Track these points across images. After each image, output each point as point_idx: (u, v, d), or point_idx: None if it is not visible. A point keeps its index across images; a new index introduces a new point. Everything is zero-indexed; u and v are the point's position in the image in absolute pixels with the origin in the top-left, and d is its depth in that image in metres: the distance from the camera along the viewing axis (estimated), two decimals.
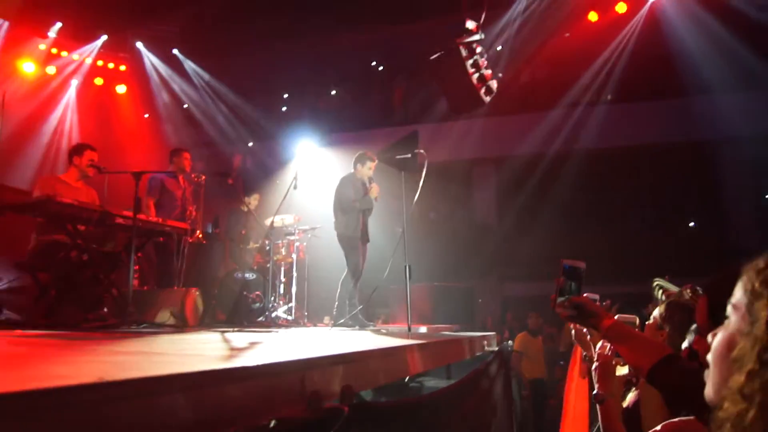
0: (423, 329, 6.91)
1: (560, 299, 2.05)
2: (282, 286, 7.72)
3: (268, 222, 7.63)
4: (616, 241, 12.94)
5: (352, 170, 7.01)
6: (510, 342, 8.75)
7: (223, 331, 4.71)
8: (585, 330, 2.95)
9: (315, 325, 7.43)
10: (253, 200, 8.23)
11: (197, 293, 6.05)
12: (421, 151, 6.19)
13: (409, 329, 5.76)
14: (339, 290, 6.74)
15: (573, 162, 12.47)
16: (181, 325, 5.40)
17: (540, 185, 12.86)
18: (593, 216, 13.47)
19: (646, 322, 2.77)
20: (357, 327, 6.49)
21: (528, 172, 12.90)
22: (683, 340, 2.25)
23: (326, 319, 9.70)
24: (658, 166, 12.87)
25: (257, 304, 7.02)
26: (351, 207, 6.73)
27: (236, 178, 7.80)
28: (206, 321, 6.30)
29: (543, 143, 12.62)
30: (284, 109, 13.59)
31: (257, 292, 7.17)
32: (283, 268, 7.81)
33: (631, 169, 13.08)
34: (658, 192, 13.26)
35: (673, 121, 12.11)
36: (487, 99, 6.03)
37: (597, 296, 2.54)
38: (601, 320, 2.00)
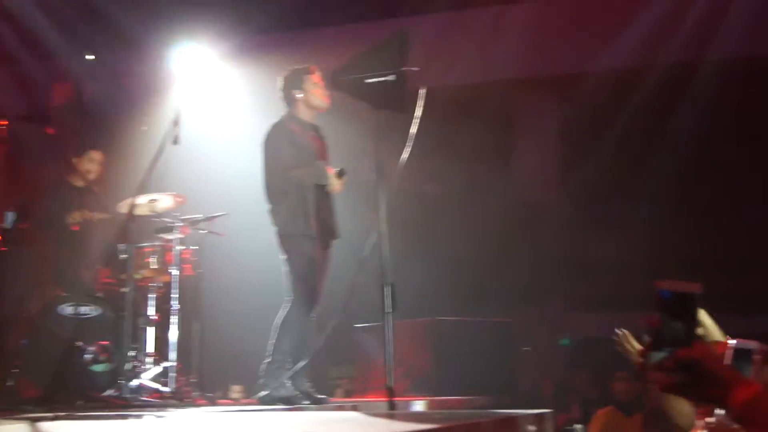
0: (419, 407, 6.95)
1: (657, 355, 2.08)
2: (151, 329, 7.74)
3: (123, 207, 7.63)
4: None
5: (286, 108, 7.11)
6: (581, 428, 8.82)
7: (33, 421, 4.67)
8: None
9: (213, 402, 7.46)
10: (91, 163, 8.24)
11: None
12: (414, 68, 6.19)
13: (391, 407, 5.78)
14: (276, 335, 6.82)
15: (704, 84, 12.53)
16: None
17: (642, 132, 12.91)
18: (735, 189, 13.55)
19: None
20: (298, 403, 6.59)
21: (620, 106, 12.96)
22: None
23: (235, 390, 9.77)
24: None
25: (103, 365, 7.08)
26: (287, 183, 6.82)
27: (61, 123, 7.74)
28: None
29: (648, 50, 12.66)
30: None
31: (103, 342, 7.20)
32: (152, 295, 7.84)
33: None
34: None
35: None
36: None
37: (754, 344, 2.68)
38: (733, 390, 2.02)
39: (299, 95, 7.09)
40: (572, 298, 13.68)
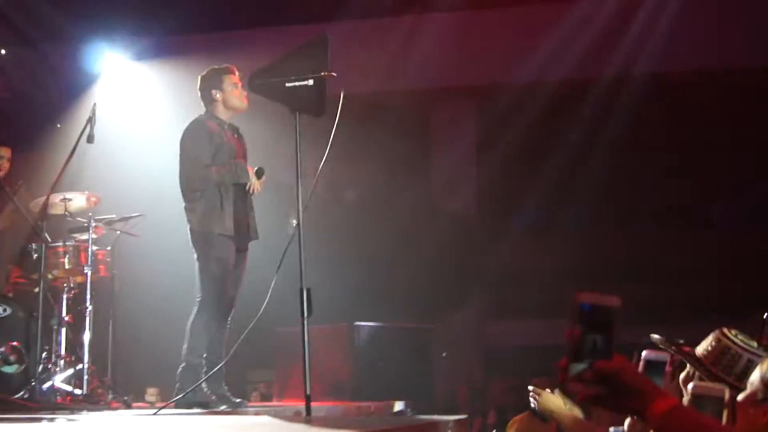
0: (332, 411, 6.96)
1: (577, 366, 2.08)
2: (64, 330, 7.61)
3: (36, 206, 7.56)
4: (697, 243, 13.33)
5: (205, 108, 7.08)
6: None
7: None
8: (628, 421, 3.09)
9: (128, 406, 7.36)
10: (1, 159, 8.17)
11: None
12: (333, 73, 6.20)
13: (308, 411, 5.77)
14: (188, 337, 6.76)
15: (619, 99, 12.73)
16: None
17: (559, 143, 13.08)
18: (652, 201, 13.79)
19: (739, 396, 2.90)
20: (214, 407, 6.56)
21: (537, 117, 13.09)
22: None
23: (150, 392, 9.66)
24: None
25: (14, 367, 7.02)
26: (205, 180, 6.77)
27: None
28: None
29: (564, 62, 12.83)
30: None
31: (13, 343, 7.13)
32: (65, 296, 7.72)
33: (728, 112, 13.45)
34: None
35: None
36: None
37: (666, 355, 2.73)
38: (651, 402, 2.05)
39: (218, 95, 7.05)
40: (490, 305, 13.79)
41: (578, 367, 2.05)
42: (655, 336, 3.50)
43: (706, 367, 3.18)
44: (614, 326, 2.08)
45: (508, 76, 13.27)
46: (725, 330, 3.40)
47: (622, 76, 12.79)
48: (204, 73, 7.16)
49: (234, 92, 7.07)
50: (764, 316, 3.53)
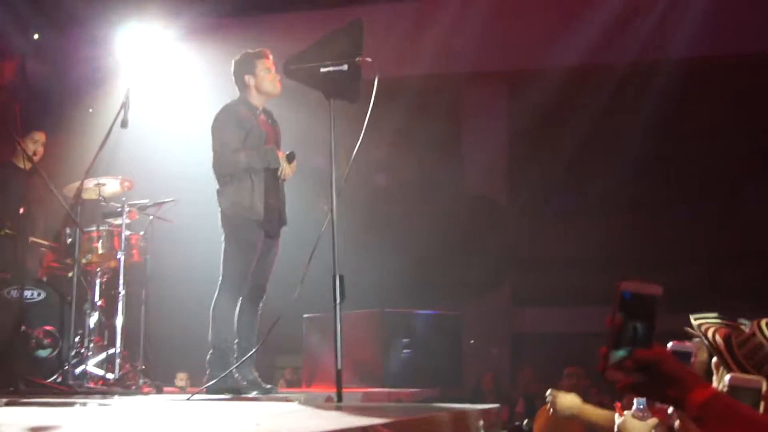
0: (365, 398, 6.96)
1: (617, 354, 2.10)
2: (97, 314, 7.68)
3: (70, 191, 7.55)
4: (729, 228, 13.28)
5: (239, 92, 7.07)
6: (526, 423, 8.85)
7: None
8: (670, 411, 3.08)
9: (159, 390, 7.40)
10: (35, 144, 8.15)
11: None
12: (368, 59, 6.18)
13: (339, 398, 5.78)
14: (212, 321, 6.78)
15: (652, 84, 12.66)
16: None
17: (591, 128, 13.03)
18: (685, 186, 13.73)
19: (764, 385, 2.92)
20: (245, 393, 6.57)
21: (567, 102, 13.06)
22: None
23: (180, 377, 9.72)
24: None
25: (47, 351, 7.02)
26: (234, 165, 6.77)
27: (5, 103, 7.64)
28: None
29: (597, 49, 12.76)
30: None
31: (47, 327, 7.14)
32: (99, 281, 7.77)
33: (759, 99, 13.36)
34: None
35: None
36: None
37: (691, 346, 2.66)
38: (690, 391, 2.05)
39: (251, 80, 7.02)
40: (519, 293, 13.78)
41: (618, 355, 2.08)
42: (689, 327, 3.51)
43: (739, 361, 3.17)
44: (656, 315, 2.10)
45: (539, 61, 13.27)
46: (762, 323, 3.38)
47: (653, 60, 12.74)
48: (237, 57, 7.13)
49: (267, 77, 7.03)
50: None
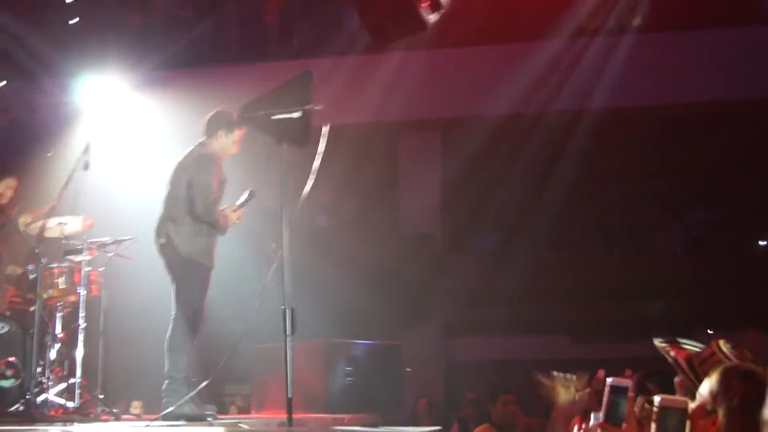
0: (310, 424, 6.94)
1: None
2: (57, 346, 7.55)
3: (33, 230, 7.49)
4: (642, 265, 13.49)
5: (206, 138, 7.08)
6: None
7: None
8: None
9: (116, 418, 7.30)
10: (6, 189, 7.99)
11: None
12: (318, 107, 6.24)
13: (289, 422, 5.77)
14: (168, 354, 6.73)
15: (575, 132, 12.87)
16: None
17: (518, 171, 13.19)
18: (604, 226, 13.95)
19: (691, 405, 3.01)
20: (201, 420, 6.57)
21: (496, 147, 13.21)
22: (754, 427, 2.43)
23: (135, 405, 9.60)
24: (714, 141, 13.49)
25: (10, 381, 6.95)
26: (209, 210, 6.77)
27: None
28: None
29: (523, 99, 12.94)
30: (74, 21, 13.19)
31: (10, 359, 7.07)
32: (59, 314, 7.64)
33: (671, 146, 13.66)
34: (710, 185, 13.94)
35: (741, 66, 12.68)
36: (433, 18, 6.13)
37: (628, 382, 2.91)
38: None
39: (223, 136, 7.04)
40: (455, 324, 13.82)
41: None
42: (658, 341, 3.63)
43: (700, 378, 3.28)
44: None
45: (470, 110, 13.41)
46: (720, 343, 3.50)
47: (579, 110, 12.95)
48: (219, 110, 7.15)
49: (235, 146, 7.11)
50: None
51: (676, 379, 3.55)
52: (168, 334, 6.76)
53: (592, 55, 12.90)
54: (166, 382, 6.71)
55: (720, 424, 2.85)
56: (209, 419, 6.67)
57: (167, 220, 6.90)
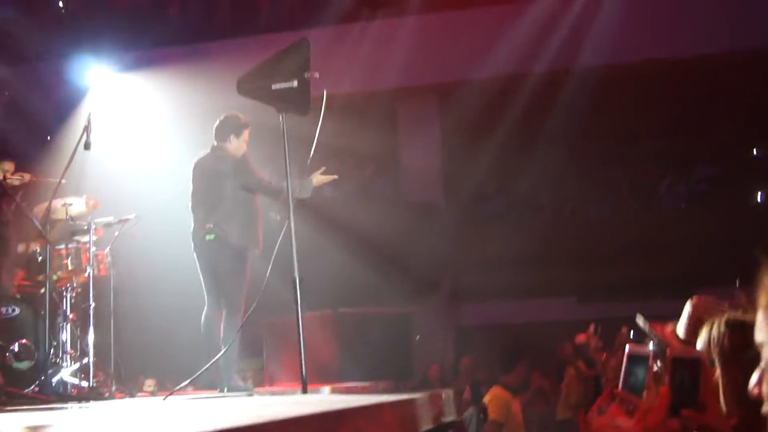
0: (325, 392, 7.01)
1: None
2: (69, 327, 7.63)
3: (39, 211, 7.54)
4: (646, 222, 13.56)
5: (220, 143, 7.46)
6: (472, 411, 8.99)
7: None
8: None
9: (131, 396, 7.45)
10: (4, 172, 8.02)
11: None
12: (316, 74, 6.30)
13: (305, 390, 5.86)
14: (225, 341, 7.00)
15: (574, 91, 12.88)
16: None
17: (517, 134, 13.22)
18: (607, 185, 14.01)
19: None
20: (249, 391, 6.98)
21: (494, 110, 13.24)
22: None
23: (149, 383, 9.69)
24: (717, 95, 13.51)
25: (24, 363, 6.96)
26: (277, 192, 7.22)
27: None
28: None
29: (521, 59, 12.96)
30: (61, 4, 13.20)
31: (23, 341, 7.08)
32: (69, 295, 7.73)
33: (672, 102, 13.68)
34: (714, 139, 13.98)
35: (746, 15, 12.66)
36: None
37: (648, 351, 2.93)
38: None
39: (234, 140, 7.43)
40: (461, 291, 13.90)
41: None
42: (640, 319, 3.64)
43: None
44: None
45: (466, 73, 13.42)
46: (696, 299, 3.54)
47: (577, 68, 12.96)
48: (227, 116, 7.52)
49: (243, 144, 7.49)
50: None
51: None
52: (223, 324, 7.09)
53: (588, 10, 12.92)
54: (221, 362, 6.92)
55: (717, 372, 2.93)
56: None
57: (214, 217, 7.22)
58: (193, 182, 7.47)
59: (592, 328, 9.36)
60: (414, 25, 13.19)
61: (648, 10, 13.06)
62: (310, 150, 6.43)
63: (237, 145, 7.43)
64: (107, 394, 7.19)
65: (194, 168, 7.52)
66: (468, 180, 13.87)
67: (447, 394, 5.68)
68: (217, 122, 7.51)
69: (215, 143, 7.48)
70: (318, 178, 7.26)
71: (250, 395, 6.87)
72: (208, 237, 7.18)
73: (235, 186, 7.28)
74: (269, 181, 7.42)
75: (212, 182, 7.33)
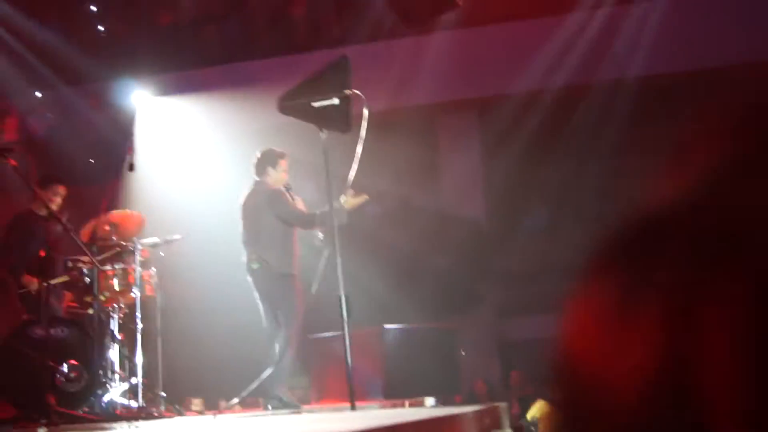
0: (374, 408, 7.03)
1: None
2: (117, 348, 7.73)
3: (85, 233, 7.68)
4: None
5: (259, 177, 7.76)
6: (523, 425, 8.96)
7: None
8: None
9: (180, 414, 7.53)
10: (55, 195, 8.08)
11: None
12: (357, 92, 6.33)
13: (353, 407, 5.87)
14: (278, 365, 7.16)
15: (616, 103, 12.82)
16: None
17: (558, 147, 13.18)
18: (649, 195, 13.92)
19: None
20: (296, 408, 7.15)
21: (534, 123, 13.22)
22: None
23: (196, 403, 9.74)
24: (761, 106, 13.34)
25: (74, 384, 7.00)
26: (310, 222, 7.53)
27: (21, 155, 7.69)
28: None
29: (559, 72, 12.93)
30: (101, 29, 13.33)
31: (73, 362, 7.13)
32: (116, 316, 7.82)
33: (715, 112, 13.53)
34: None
35: None
36: None
37: None
38: None
39: (271, 171, 7.71)
40: (503, 304, 13.82)
41: None
42: None
43: None
44: None
45: (505, 87, 13.40)
46: None
47: (618, 80, 12.89)
48: (264, 150, 7.83)
49: (282, 174, 7.77)
50: None
51: None
52: (278, 350, 7.25)
53: (629, 22, 12.86)
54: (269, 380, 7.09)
55: None
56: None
57: (257, 248, 7.55)
58: (241, 219, 7.76)
59: None
60: (452, 40, 13.20)
61: (690, 20, 12.96)
62: (351, 167, 6.46)
63: (276, 177, 7.72)
64: (156, 414, 7.26)
65: (240, 206, 7.82)
66: (509, 193, 13.82)
67: (501, 407, 5.68)
68: (254, 159, 7.79)
69: (256, 178, 7.77)
70: (349, 201, 7.30)
71: (298, 413, 6.89)
72: (254, 266, 7.50)
73: (270, 216, 7.56)
74: (301, 212, 7.65)
75: (253, 216, 7.66)
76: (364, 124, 6.40)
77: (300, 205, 7.70)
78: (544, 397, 9.40)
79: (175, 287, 8.54)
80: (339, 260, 6.12)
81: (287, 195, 7.71)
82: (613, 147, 13.01)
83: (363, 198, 7.52)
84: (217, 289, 7.36)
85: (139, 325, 7.70)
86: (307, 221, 7.55)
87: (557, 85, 13.08)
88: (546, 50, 12.99)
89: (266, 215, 7.62)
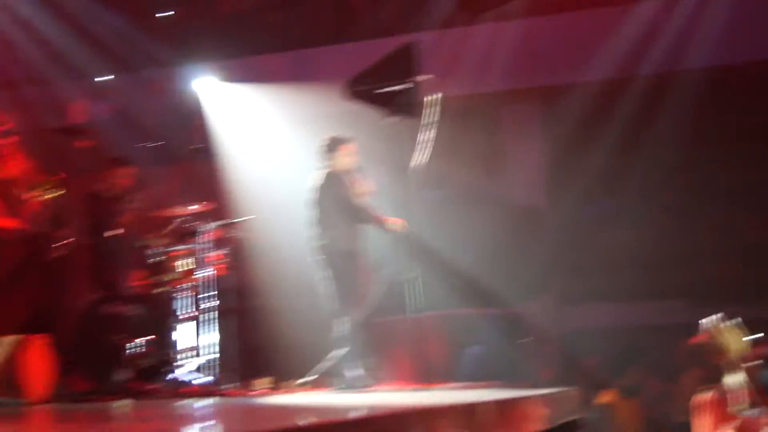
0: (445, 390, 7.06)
1: None
2: (188, 326, 7.81)
3: (155, 214, 7.90)
4: (757, 223, 13.26)
5: (323, 162, 7.83)
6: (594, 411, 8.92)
7: (114, 406, 4.75)
8: None
9: (251, 390, 7.66)
10: (125, 176, 8.27)
11: (44, 344, 6.06)
12: (429, 76, 6.33)
13: (424, 388, 5.89)
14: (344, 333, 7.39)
15: (679, 93, 12.71)
16: (14, 402, 5.48)
17: (622, 136, 13.09)
18: (715, 186, 13.73)
19: None
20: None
21: (600, 114, 13.13)
22: None
23: (266, 382, 9.82)
24: None
25: (148, 360, 7.16)
26: (361, 214, 7.69)
27: (92, 137, 7.80)
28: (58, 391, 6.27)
29: (626, 62, 12.84)
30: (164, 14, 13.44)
31: (145, 339, 7.26)
32: (187, 294, 7.92)
33: None
34: None
35: None
36: None
37: None
38: None
39: (333, 156, 7.75)
40: (567, 292, 13.76)
41: None
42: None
43: None
44: None
45: (569, 76, 13.33)
46: None
47: (679, 70, 12.79)
48: (326, 137, 7.83)
49: (347, 151, 7.76)
50: None
51: None
52: (343, 331, 7.40)
53: (692, 13, 12.72)
54: (345, 360, 7.38)
55: None
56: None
57: (326, 225, 7.67)
58: (310, 202, 7.86)
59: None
60: (518, 28, 13.16)
61: (755, 10, 12.80)
62: (416, 152, 6.46)
63: (339, 161, 7.78)
64: (228, 391, 7.32)
65: (309, 189, 7.92)
66: (573, 182, 13.74)
67: (573, 393, 5.69)
68: (321, 144, 7.86)
69: (323, 162, 7.86)
70: (390, 227, 7.56)
71: (368, 392, 6.94)
72: (322, 241, 7.61)
73: (330, 198, 7.69)
74: (351, 201, 7.70)
75: (318, 197, 7.77)
76: (435, 110, 6.40)
77: (366, 188, 7.75)
78: (613, 385, 9.38)
79: (245, 267, 8.60)
80: (407, 245, 6.14)
81: (344, 179, 7.81)
82: (677, 137, 12.90)
83: (405, 228, 7.59)
84: (285, 270, 7.44)
85: (213, 304, 7.79)
86: (354, 212, 7.70)
87: (622, 75, 13.00)
88: (612, 40, 12.92)
89: (327, 197, 7.76)
